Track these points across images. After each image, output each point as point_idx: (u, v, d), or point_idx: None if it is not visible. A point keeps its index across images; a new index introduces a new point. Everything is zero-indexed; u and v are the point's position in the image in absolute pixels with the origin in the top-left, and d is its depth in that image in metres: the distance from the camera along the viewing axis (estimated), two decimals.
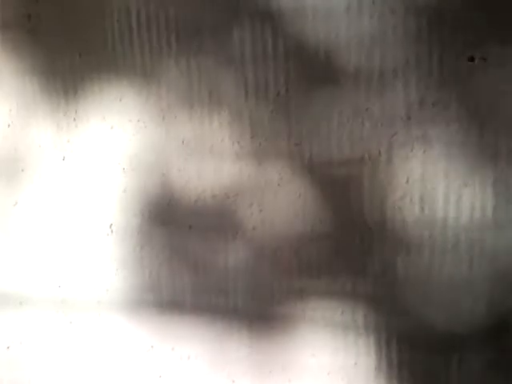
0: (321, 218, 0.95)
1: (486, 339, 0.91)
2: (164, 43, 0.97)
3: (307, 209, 0.95)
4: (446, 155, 0.89)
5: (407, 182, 0.91)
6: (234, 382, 1.02)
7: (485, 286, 0.90)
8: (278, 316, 0.99)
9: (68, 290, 1.06)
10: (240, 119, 0.96)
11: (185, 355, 1.04)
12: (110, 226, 1.03)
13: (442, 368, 0.94)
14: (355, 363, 0.97)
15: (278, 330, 0.99)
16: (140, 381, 1.06)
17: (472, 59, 0.86)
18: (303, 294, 0.97)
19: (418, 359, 0.95)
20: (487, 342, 0.91)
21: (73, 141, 1.03)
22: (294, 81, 0.93)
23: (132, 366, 1.06)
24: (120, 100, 1.00)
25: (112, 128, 1.01)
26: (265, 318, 1.00)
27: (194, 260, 1.01)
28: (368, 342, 0.96)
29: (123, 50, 0.99)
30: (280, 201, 0.96)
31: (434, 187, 0.90)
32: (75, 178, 1.04)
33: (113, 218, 1.03)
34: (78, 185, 1.04)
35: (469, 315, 0.92)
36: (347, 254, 0.94)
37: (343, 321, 0.96)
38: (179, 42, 0.97)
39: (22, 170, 1.06)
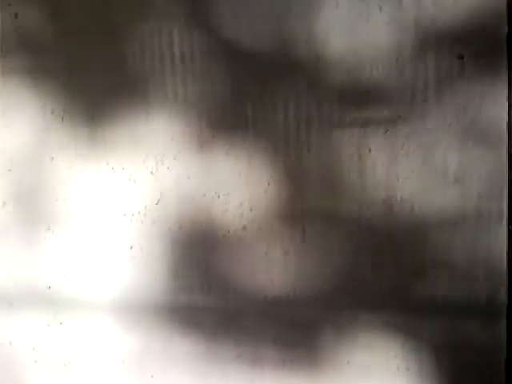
0: (311, 217, 0.95)
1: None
2: (153, 41, 0.97)
3: (298, 208, 0.95)
4: (437, 152, 0.89)
5: (398, 179, 0.91)
6: (227, 381, 1.02)
7: (483, 281, 0.91)
8: (271, 314, 0.99)
9: (58, 291, 1.05)
10: (231, 118, 0.96)
11: (177, 355, 1.03)
12: (100, 227, 1.03)
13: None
14: (348, 362, 0.97)
15: (270, 328, 0.99)
16: (132, 381, 1.05)
17: (461, 57, 0.87)
18: (296, 292, 0.97)
19: (412, 357, 0.95)
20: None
21: (61, 140, 1.02)
22: (284, 80, 0.93)
23: (124, 366, 1.06)
24: (108, 97, 1.00)
25: (100, 126, 1.00)
26: (258, 317, 0.99)
27: (185, 259, 1.00)
28: (361, 340, 0.96)
29: (109, 47, 0.98)
30: (271, 200, 0.96)
31: (424, 184, 0.91)
32: (63, 177, 1.03)
33: (103, 218, 1.02)
34: (67, 184, 1.03)
35: (460, 304, 0.92)
36: (340, 251, 0.94)
37: (337, 318, 0.96)
38: (166, 38, 0.96)
39: (10, 170, 1.05)
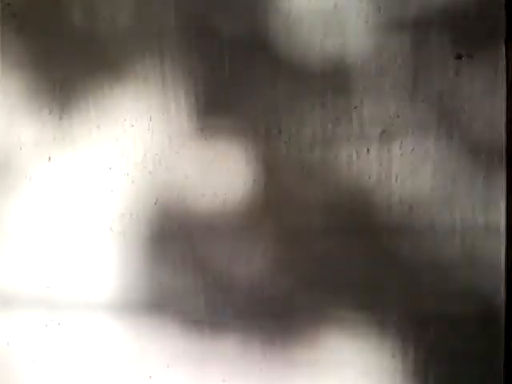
0: (310, 217, 0.95)
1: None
2: (151, 44, 0.97)
3: (297, 208, 0.95)
4: (435, 152, 0.90)
5: (396, 179, 0.91)
6: (224, 381, 1.02)
7: (481, 282, 0.91)
8: (270, 314, 0.99)
9: (56, 291, 1.05)
10: (230, 117, 0.96)
11: (175, 355, 1.03)
12: (98, 227, 1.02)
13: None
14: (348, 361, 0.97)
15: (269, 328, 0.99)
16: (130, 382, 1.05)
17: (459, 57, 0.87)
18: (295, 292, 0.97)
19: (407, 352, 0.95)
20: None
21: (59, 140, 1.02)
22: (282, 79, 0.93)
23: (122, 367, 1.05)
24: (107, 99, 1.00)
25: (98, 127, 1.00)
26: (257, 317, 0.99)
27: (183, 260, 1.00)
28: (361, 339, 0.96)
29: (111, 49, 0.98)
30: (270, 200, 0.96)
31: (422, 184, 0.91)
32: (62, 177, 1.03)
33: (100, 219, 1.02)
34: (65, 184, 1.03)
35: (458, 305, 0.92)
36: (337, 252, 0.95)
37: (335, 318, 0.96)
38: (167, 41, 0.96)
39: (9, 171, 1.05)
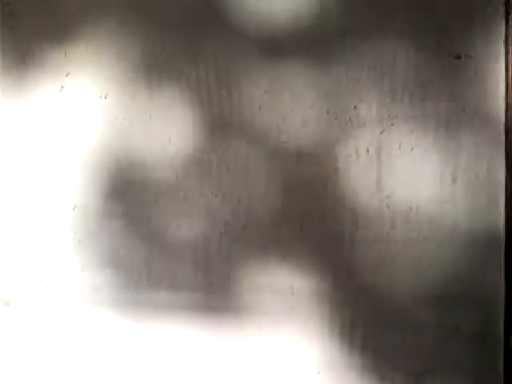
0: (309, 216, 0.95)
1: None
2: (152, 40, 0.97)
3: (296, 207, 0.95)
4: (435, 152, 0.90)
5: (395, 179, 0.92)
6: (221, 380, 1.00)
7: (481, 282, 0.91)
8: (268, 313, 0.98)
9: (55, 291, 1.04)
10: (229, 118, 0.96)
11: (173, 354, 1.02)
12: (97, 227, 1.01)
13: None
14: (346, 359, 0.96)
15: (267, 327, 0.98)
16: (129, 380, 1.03)
17: (458, 56, 0.88)
18: (293, 292, 0.97)
19: (407, 352, 0.95)
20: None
21: (59, 139, 1.02)
22: (281, 79, 0.93)
23: (124, 366, 1.04)
24: (105, 98, 0.99)
25: (98, 126, 1.00)
26: (253, 315, 0.99)
27: (183, 259, 0.99)
28: (359, 338, 0.95)
29: (110, 46, 0.98)
30: (269, 199, 0.96)
31: (422, 184, 0.91)
32: (62, 177, 1.02)
33: (100, 218, 1.01)
34: (65, 184, 1.02)
35: (458, 305, 0.92)
36: (337, 251, 0.94)
37: (335, 319, 0.96)
38: (168, 40, 0.97)
39: (13, 170, 1.04)
